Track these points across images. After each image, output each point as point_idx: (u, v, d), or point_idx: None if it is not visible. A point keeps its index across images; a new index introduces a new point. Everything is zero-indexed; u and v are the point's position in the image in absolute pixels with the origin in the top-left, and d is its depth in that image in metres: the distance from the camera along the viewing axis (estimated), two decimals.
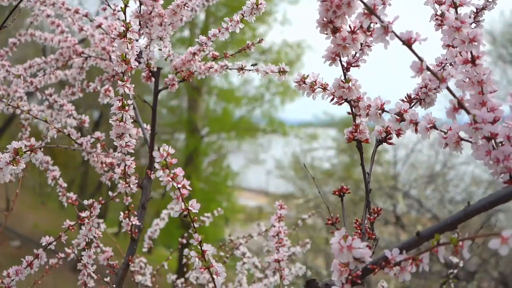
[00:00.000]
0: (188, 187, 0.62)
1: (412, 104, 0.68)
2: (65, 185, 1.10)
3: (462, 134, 0.55)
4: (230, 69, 0.96)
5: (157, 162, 0.60)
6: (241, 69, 0.94)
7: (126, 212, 0.96)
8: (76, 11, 1.10)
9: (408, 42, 0.50)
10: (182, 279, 1.38)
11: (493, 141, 0.52)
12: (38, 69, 1.24)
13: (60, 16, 1.21)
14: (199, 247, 0.64)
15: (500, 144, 0.51)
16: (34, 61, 1.23)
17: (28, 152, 0.67)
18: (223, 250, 1.35)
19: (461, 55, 0.54)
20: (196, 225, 0.65)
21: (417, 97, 0.68)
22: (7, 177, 0.70)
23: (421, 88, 0.68)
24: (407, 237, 6.47)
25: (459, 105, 0.51)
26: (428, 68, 0.50)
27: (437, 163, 7.32)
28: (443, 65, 0.69)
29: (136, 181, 0.90)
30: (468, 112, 0.51)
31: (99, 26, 1.05)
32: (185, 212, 0.62)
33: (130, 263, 0.99)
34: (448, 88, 0.50)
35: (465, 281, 5.45)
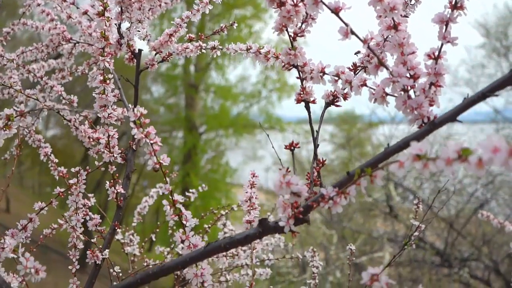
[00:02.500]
0: (160, 144, 0.71)
1: (358, 71, 0.77)
2: (56, 160, 1.19)
3: (387, 90, 0.64)
4: (204, 49, 1.05)
5: (132, 121, 0.70)
6: (213, 48, 1.03)
7: (112, 181, 1.05)
8: (64, 0, 1.19)
9: (336, 11, 0.60)
10: (168, 249, 1.47)
11: (411, 92, 0.61)
12: (30, 56, 1.33)
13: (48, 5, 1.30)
14: (170, 197, 0.73)
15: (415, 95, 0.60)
16: (26, 48, 1.32)
17: (19, 117, 0.76)
18: (205, 221, 1.44)
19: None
20: (167, 179, 0.75)
21: (361, 65, 0.77)
22: (1, 141, 0.79)
23: (364, 57, 0.77)
24: (402, 227, 6.58)
25: (380, 63, 0.60)
26: (352, 32, 0.59)
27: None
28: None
29: (119, 151, 1.00)
30: (387, 69, 0.60)
31: (85, 13, 1.14)
32: (157, 166, 0.72)
33: (116, 228, 1.08)
34: (369, 48, 0.60)
35: (458, 268, 5.56)
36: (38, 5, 1.29)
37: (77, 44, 1.29)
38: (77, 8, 1.19)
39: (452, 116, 0.56)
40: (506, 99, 8.71)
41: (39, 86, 1.33)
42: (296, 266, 6.72)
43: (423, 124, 0.59)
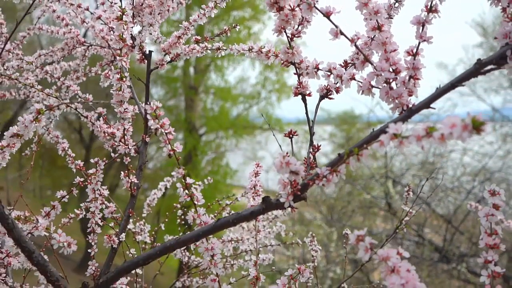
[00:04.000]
0: (173, 133, 0.81)
1: (348, 67, 0.87)
2: (73, 154, 1.28)
3: (373, 83, 0.74)
4: (210, 49, 1.14)
5: (149, 113, 0.79)
6: (218, 49, 1.13)
7: (126, 171, 1.15)
8: (79, 6, 1.29)
9: (327, 14, 0.69)
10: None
11: (393, 84, 0.71)
12: (46, 59, 1.43)
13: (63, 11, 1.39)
14: (183, 180, 0.83)
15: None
16: (42, 51, 1.42)
17: (48, 111, 0.85)
18: (211, 211, 1.53)
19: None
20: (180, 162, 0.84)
21: (351, 61, 0.87)
22: (31, 134, 0.89)
23: (354, 54, 0.86)
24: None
25: (365, 59, 0.70)
26: (341, 32, 0.69)
27: (430, 153, 7.53)
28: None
29: (134, 143, 1.09)
30: (372, 64, 0.70)
31: (99, 17, 1.24)
32: (171, 152, 0.81)
33: (130, 215, 1.17)
34: (356, 46, 0.69)
35: (456, 264, 5.65)
36: (54, 11, 1.38)
37: (90, 47, 1.39)
38: (91, 13, 1.28)
39: (426, 104, 0.65)
40: (504, 97, 8.80)
41: (55, 87, 1.43)
42: (296, 264, 6.80)
43: (403, 111, 0.69)
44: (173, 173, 1.75)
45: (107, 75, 1.35)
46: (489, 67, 0.64)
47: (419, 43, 0.71)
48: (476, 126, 0.46)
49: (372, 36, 0.73)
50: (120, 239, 1.11)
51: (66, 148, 1.30)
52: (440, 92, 0.65)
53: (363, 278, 6.19)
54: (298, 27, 0.80)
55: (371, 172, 7.02)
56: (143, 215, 1.59)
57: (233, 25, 1.17)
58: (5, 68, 1.40)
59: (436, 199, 6.76)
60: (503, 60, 0.62)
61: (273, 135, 1.14)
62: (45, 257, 0.88)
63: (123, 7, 0.91)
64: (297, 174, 0.69)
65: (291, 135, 0.84)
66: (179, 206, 1.48)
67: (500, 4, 0.66)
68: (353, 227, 6.94)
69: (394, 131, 0.55)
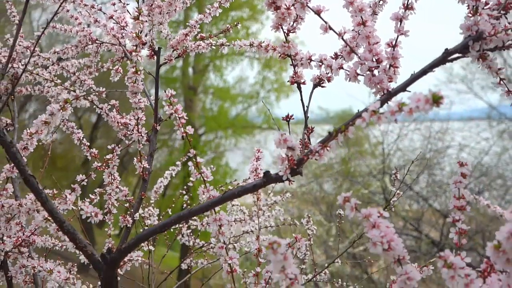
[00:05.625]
0: (186, 118, 0.92)
1: (338, 58, 0.98)
2: (88, 143, 1.39)
3: (358, 71, 0.85)
4: (214, 46, 1.26)
5: (164, 100, 0.91)
6: (222, 45, 1.24)
7: (139, 157, 1.26)
8: (92, 6, 1.40)
9: (318, 12, 0.81)
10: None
11: (376, 72, 0.82)
12: (60, 56, 1.54)
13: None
14: (195, 159, 0.94)
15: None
16: (57, 48, 1.53)
17: (75, 100, 0.97)
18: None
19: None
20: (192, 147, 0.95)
21: (341, 53, 0.98)
22: (57, 121, 1.00)
23: (342, 47, 0.98)
24: (397, 219, 6.80)
25: (351, 50, 0.81)
26: (330, 28, 0.80)
27: (427, 150, 7.67)
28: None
29: (146, 131, 1.21)
30: (356, 54, 0.81)
31: (111, 17, 1.35)
32: (184, 134, 0.93)
33: (142, 198, 1.29)
34: (343, 39, 0.81)
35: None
36: (68, 11, 1.49)
37: (101, 44, 1.50)
38: (104, 14, 1.40)
39: (402, 88, 0.77)
40: (501, 95, 8.90)
41: (69, 82, 1.54)
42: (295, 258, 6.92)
43: (384, 94, 0.80)
44: (177, 163, 1.87)
45: (118, 70, 1.47)
46: (455, 55, 0.75)
47: (397, 37, 0.82)
48: (436, 100, 0.58)
49: (358, 31, 0.85)
50: (134, 218, 1.22)
51: (81, 138, 1.41)
52: (414, 78, 0.76)
53: (361, 275, 6.31)
54: (293, 23, 0.91)
55: (370, 169, 7.15)
56: (151, 201, 1.70)
57: (235, 23, 1.29)
58: (22, 64, 1.51)
59: (433, 195, 6.88)
60: (466, 50, 0.73)
61: (278, 129, 1.24)
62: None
63: (139, 7, 1.02)
64: (293, 150, 0.80)
65: (288, 119, 0.96)
66: (184, 192, 1.59)
67: (465, 1, 0.77)
68: (352, 223, 7.07)
69: (373, 108, 0.67)
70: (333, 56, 0.96)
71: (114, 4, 1.40)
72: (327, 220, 7.27)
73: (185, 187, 1.80)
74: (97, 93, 1.33)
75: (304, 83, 0.94)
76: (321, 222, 7.59)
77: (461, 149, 7.42)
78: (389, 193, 6.55)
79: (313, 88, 0.97)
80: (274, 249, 0.63)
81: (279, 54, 0.93)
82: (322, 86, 0.97)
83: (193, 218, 1.80)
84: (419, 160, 7.28)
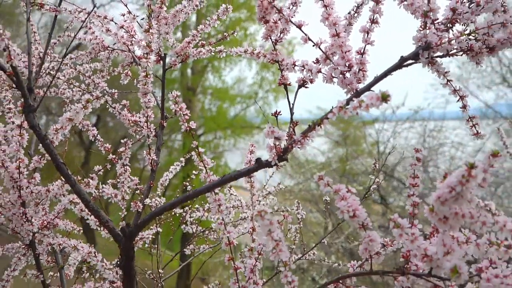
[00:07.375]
0: (189, 114, 1.10)
1: (318, 63, 1.15)
2: (102, 139, 1.56)
3: (333, 74, 1.02)
4: (214, 52, 1.43)
5: (170, 100, 1.08)
6: (220, 51, 1.42)
7: (148, 150, 1.43)
8: (105, 17, 1.57)
9: (299, 26, 0.98)
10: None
11: (347, 75, 1.00)
12: (74, 61, 1.72)
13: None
14: (197, 150, 1.12)
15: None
16: (72, 54, 1.70)
17: (96, 100, 1.14)
18: None
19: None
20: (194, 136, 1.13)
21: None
22: (80, 118, 1.17)
23: (321, 54, 1.15)
24: (391, 215, 6.96)
25: (326, 57, 0.99)
26: (309, 38, 0.98)
27: (424, 148, 7.85)
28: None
29: (154, 127, 1.38)
30: (330, 60, 0.99)
31: (122, 27, 1.53)
32: (188, 128, 1.10)
33: (151, 186, 1.46)
34: (320, 48, 0.98)
35: None
36: (83, 21, 1.67)
37: (113, 51, 1.68)
38: (115, 24, 1.57)
39: (367, 88, 0.94)
40: (496, 93, 9.09)
41: (84, 85, 1.71)
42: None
43: (353, 93, 0.98)
44: (181, 159, 2.04)
45: (127, 74, 1.64)
46: (409, 61, 0.93)
47: (365, 46, 1.00)
48: (384, 98, 0.75)
49: (333, 41, 1.02)
50: (145, 203, 1.39)
51: (96, 134, 1.58)
52: (376, 80, 0.93)
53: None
54: (280, 34, 1.09)
55: (365, 167, 7.33)
56: (157, 192, 1.87)
57: (233, 31, 1.46)
58: (42, 69, 1.69)
59: (428, 192, 7.06)
60: (417, 57, 0.91)
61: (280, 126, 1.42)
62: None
63: (148, 20, 1.19)
64: (280, 140, 0.98)
65: (276, 115, 1.13)
66: (188, 184, 1.76)
67: (418, 18, 0.95)
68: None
69: (341, 104, 0.84)
70: (315, 61, 1.14)
71: (123, 15, 1.57)
72: (323, 216, 7.44)
73: (184, 188, 1.97)
74: (110, 94, 1.50)
75: (289, 84, 1.12)
76: (318, 220, 7.77)
77: (454, 147, 7.61)
78: (384, 189, 6.74)
79: (298, 88, 1.15)
80: (262, 216, 0.81)
81: (269, 60, 1.11)
82: (306, 87, 1.14)
83: (196, 209, 1.97)
84: (413, 158, 7.46)
